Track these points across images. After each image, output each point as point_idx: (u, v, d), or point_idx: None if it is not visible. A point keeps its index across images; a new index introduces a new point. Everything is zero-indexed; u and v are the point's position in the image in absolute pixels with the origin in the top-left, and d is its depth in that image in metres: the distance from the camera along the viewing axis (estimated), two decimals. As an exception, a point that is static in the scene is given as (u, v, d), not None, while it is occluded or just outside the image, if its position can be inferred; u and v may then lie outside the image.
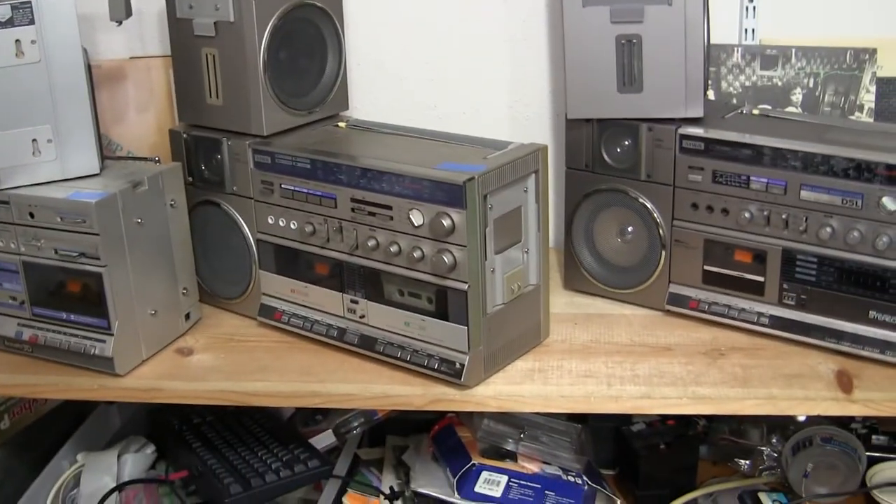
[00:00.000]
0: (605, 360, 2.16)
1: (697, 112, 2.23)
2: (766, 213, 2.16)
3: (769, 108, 2.54)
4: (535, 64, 2.67)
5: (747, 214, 2.17)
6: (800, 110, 2.58)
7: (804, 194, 2.14)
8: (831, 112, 2.57)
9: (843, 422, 2.58)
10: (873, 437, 2.62)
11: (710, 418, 2.58)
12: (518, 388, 2.08)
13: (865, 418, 2.60)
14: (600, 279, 2.41)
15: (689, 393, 2.04)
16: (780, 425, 2.54)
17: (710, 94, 2.60)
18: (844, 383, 2.08)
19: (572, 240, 2.41)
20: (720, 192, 2.22)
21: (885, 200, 2.04)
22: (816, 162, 2.11)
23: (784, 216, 2.15)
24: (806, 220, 2.15)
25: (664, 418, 2.54)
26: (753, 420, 2.53)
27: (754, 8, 2.60)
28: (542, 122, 2.69)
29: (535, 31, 2.66)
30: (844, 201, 2.11)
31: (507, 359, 2.14)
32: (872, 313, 2.14)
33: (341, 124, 2.38)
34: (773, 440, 2.54)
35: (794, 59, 2.57)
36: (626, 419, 2.53)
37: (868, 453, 2.55)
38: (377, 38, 2.74)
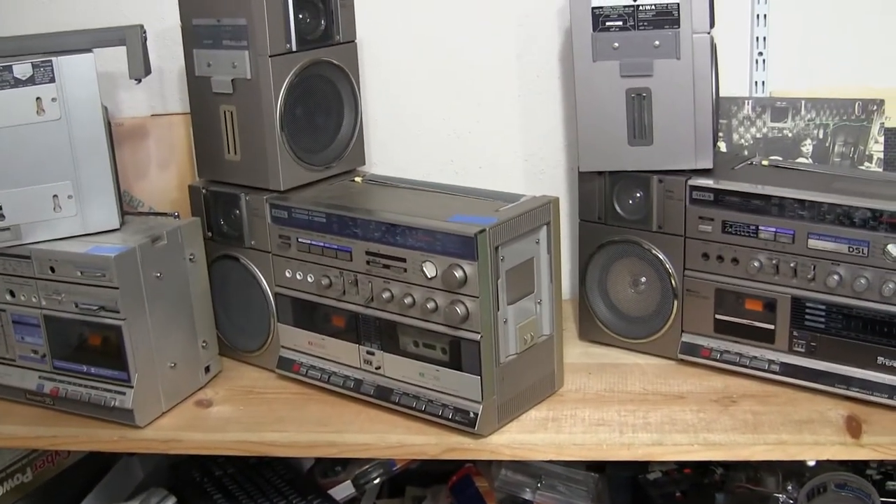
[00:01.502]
0: (618, 409, 2.19)
1: (707, 164, 2.26)
2: (774, 261, 2.19)
3: (780, 159, 2.57)
4: (549, 118, 2.72)
5: (757, 263, 2.20)
6: (810, 161, 2.60)
7: (812, 243, 2.18)
8: (841, 162, 2.60)
9: (858, 468, 2.57)
10: (888, 482, 2.60)
11: (727, 466, 2.59)
12: (531, 436, 2.11)
13: (880, 464, 2.61)
14: (614, 329, 2.43)
15: (700, 440, 2.07)
16: (796, 472, 2.55)
17: (722, 146, 2.63)
18: (853, 428, 2.11)
19: (586, 291, 2.44)
20: (730, 241, 2.26)
21: (891, 248, 2.08)
22: (823, 211, 2.15)
23: (792, 265, 2.18)
24: (814, 268, 2.19)
25: (681, 467, 2.55)
26: (768, 467, 2.53)
27: (764, 61, 2.64)
28: (557, 175, 2.73)
29: (549, 86, 2.71)
30: (851, 249, 2.14)
31: (520, 408, 2.16)
32: (881, 359, 2.18)
33: (357, 179, 2.42)
34: (789, 487, 2.55)
35: (803, 111, 2.60)
36: (643, 468, 2.55)
37: (883, 499, 2.54)
38: (394, 95, 2.80)
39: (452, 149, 2.60)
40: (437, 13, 2.75)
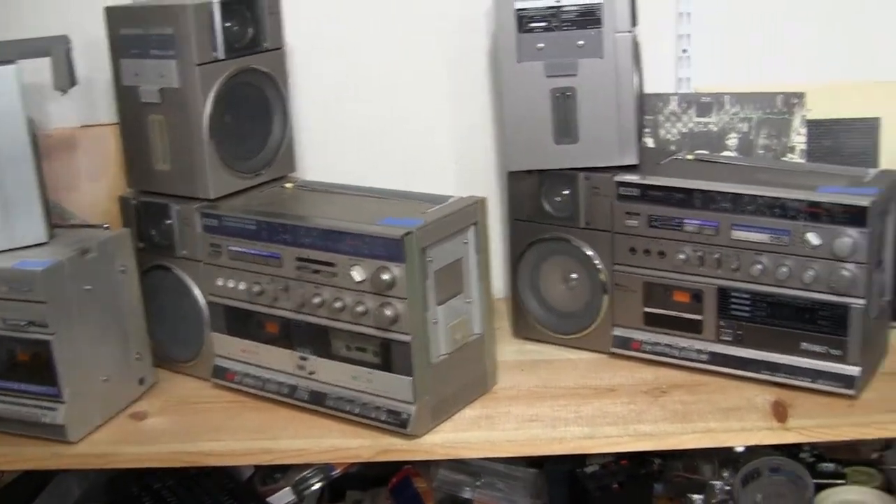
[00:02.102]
0: (550, 404, 2.21)
1: (632, 159, 2.29)
2: (700, 253, 2.22)
3: (706, 153, 2.59)
4: (479, 119, 2.74)
5: (683, 256, 2.23)
6: (735, 154, 2.61)
7: (735, 234, 2.22)
8: (765, 154, 2.62)
9: (791, 451, 2.63)
10: (820, 464, 2.63)
11: (665, 456, 2.60)
12: (465, 435, 2.12)
13: (812, 447, 2.68)
14: (547, 326, 2.45)
15: (630, 431, 2.09)
16: (732, 459, 2.58)
17: (650, 142, 2.63)
18: (780, 413, 2.16)
19: (518, 289, 2.46)
20: (656, 235, 2.30)
21: (810, 236, 2.11)
22: (745, 202, 2.19)
23: (717, 256, 2.21)
24: (738, 258, 2.23)
25: (618, 459, 2.56)
26: (705, 455, 2.57)
27: (688, 58, 2.67)
28: (489, 175, 2.75)
29: (478, 88, 2.73)
30: (773, 239, 2.19)
31: (454, 407, 2.18)
32: (804, 344, 2.23)
33: (288, 185, 2.42)
34: (725, 474, 2.57)
35: (727, 106, 2.63)
36: (581, 462, 2.56)
37: (815, 480, 2.61)
38: (325, 100, 2.80)
39: (384, 152, 2.63)
40: (366, 17, 2.75)
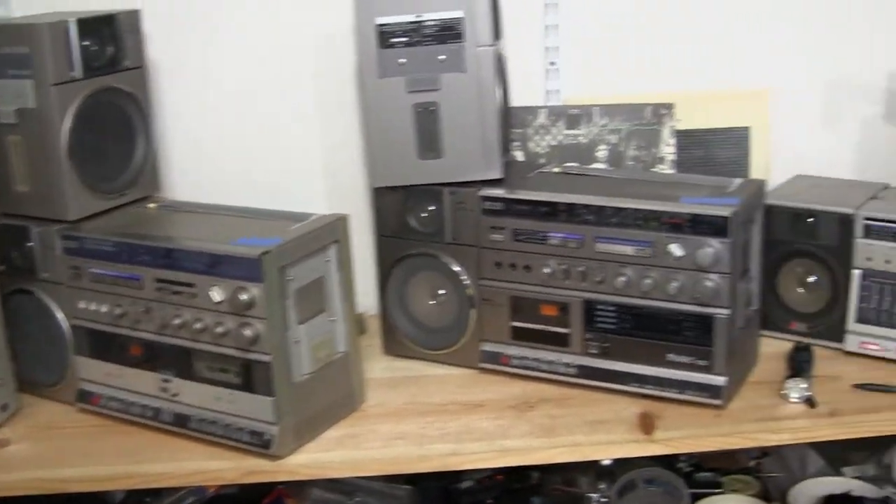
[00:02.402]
0: (417, 422, 2.20)
1: (496, 173, 2.28)
2: (564, 267, 2.23)
3: (576, 165, 2.58)
4: (348, 136, 2.72)
5: (548, 269, 2.23)
6: (605, 166, 2.61)
7: (599, 246, 2.23)
8: (635, 166, 2.62)
9: (669, 461, 2.65)
10: (698, 473, 2.64)
11: (543, 469, 2.58)
12: (329, 454, 2.11)
13: (690, 456, 2.69)
14: (417, 342, 2.44)
15: (496, 447, 2.09)
16: (609, 471, 2.55)
17: (519, 156, 2.62)
18: (646, 425, 2.16)
19: (387, 305, 2.44)
20: (521, 249, 2.30)
21: (672, 247, 2.11)
22: (608, 215, 2.20)
23: (582, 269, 2.22)
24: (602, 271, 2.24)
25: (494, 474, 2.54)
26: (582, 468, 2.54)
27: (557, 70, 2.66)
28: (358, 192, 2.71)
29: (346, 104, 2.71)
30: (636, 251, 2.20)
31: (319, 427, 2.16)
32: (670, 356, 2.24)
33: (151, 206, 2.39)
34: (602, 486, 2.55)
35: (596, 118, 2.63)
36: (457, 477, 2.53)
37: (692, 490, 2.61)
38: (192, 118, 2.77)
39: (253, 170, 2.61)
40: (231, 34, 2.74)
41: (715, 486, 2.70)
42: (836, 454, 2.81)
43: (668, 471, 2.60)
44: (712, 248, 2.11)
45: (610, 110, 2.64)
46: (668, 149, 2.63)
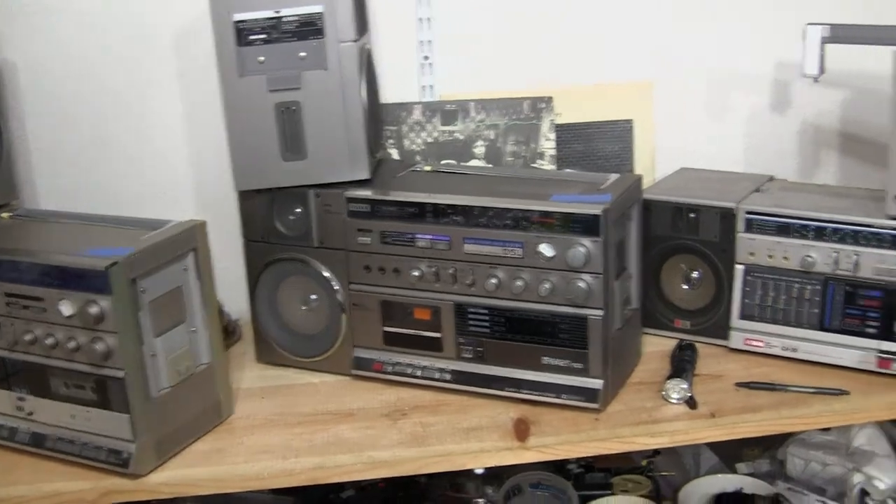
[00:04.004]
0: (285, 433, 2.15)
1: (363, 174, 2.23)
2: (434, 269, 2.19)
3: (453, 162, 2.52)
4: (216, 138, 2.60)
5: (417, 272, 2.18)
6: (483, 163, 2.55)
7: (468, 248, 2.19)
8: (514, 161, 2.57)
9: (560, 463, 2.66)
10: (588, 474, 2.60)
11: (429, 474, 2.53)
12: (192, 471, 2.05)
13: (580, 458, 2.63)
14: (289, 349, 2.38)
15: (364, 458, 2.05)
16: (496, 475, 2.50)
17: (395, 153, 2.55)
18: (521, 431, 2.12)
19: (258, 312, 2.39)
20: (390, 252, 2.26)
21: (543, 248, 2.07)
22: (476, 215, 2.16)
23: (451, 271, 2.18)
24: (473, 273, 2.19)
25: (377, 481, 2.48)
26: (470, 473, 2.50)
27: (431, 65, 2.60)
28: (230, 196, 2.62)
29: (212, 106, 2.59)
30: (506, 251, 2.16)
31: (183, 442, 2.10)
32: (546, 359, 2.20)
33: (4, 215, 2.29)
34: (489, 490, 2.51)
35: (473, 113, 2.57)
36: (339, 486, 2.48)
37: (582, 492, 2.62)
38: (53, 122, 2.69)
39: (120, 177, 2.53)
40: (93, 35, 2.65)
41: (605, 487, 2.65)
42: (732, 451, 2.79)
43: (555, 474, 2.57)
44: (584, 247, 2.08)
45: (487, 105, 2.59)
46: (547, 143, 2.58)
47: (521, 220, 2.11)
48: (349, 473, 2.03)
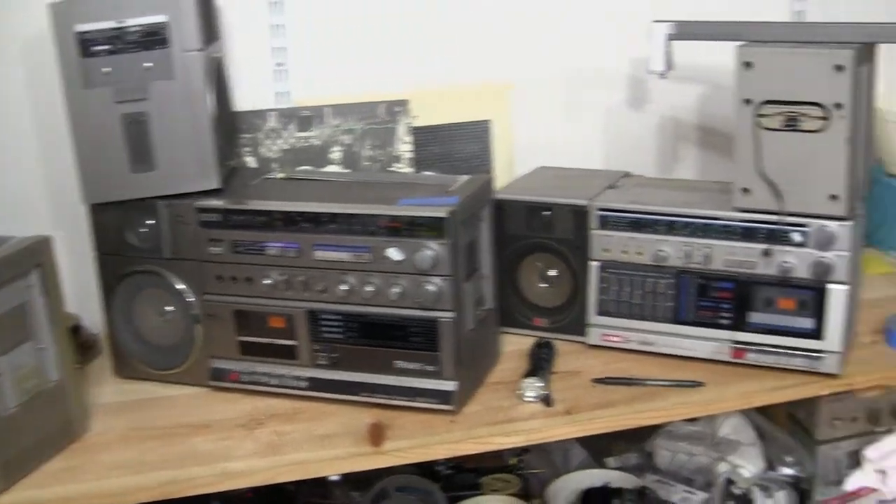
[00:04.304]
0: (140, 448, 2.14)
1: (213, 183, 2.23)
2: (285, 277, 2.19)
3: (310, 168, 2.53)
4: (69, 151, 2.56)
5: (269, 281, 2.19)
6: (341, 167, 2.55)
7: (318, 254, 2.20)
8: (371, 166, 2.57)
9: (427, 466, 2.65)
10: (458, 475, 2.62)
11: (299, 482, 2.52)
12: (41, 492, 2.03)
13: (449, 459, 2.64)
14: (147, 363, 2.38)
15: (218, 470, 2.03)
16: (363, 480, 2.50)
17: (252, 162, 2.55)
18: (375, 436, 2.14)
19: (114, 326, 2.37)
20: (241, 261, 2.26)
21: (391, 252, 2.09)
22: (324, 221, 2.18)
23: (303, 278, 2.20)
24: (324, 279, 2.21)
25: (244, 491, 2.47)
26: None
27: (286, 71, 2.60)
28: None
29: (62, 116, 2.55)
30: (355, 257, 2.17)
31: (32, 462, 2.08)
32: (399, 363, 2.22)
33: None
34: (356, 495, 2.51)
35: (329, 118, 2.58)
36: (205, 499, 2.46)
37: (452, 493, 2.65)
38: None
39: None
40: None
41: (474, 488, 2.66)
42: (601, 445, 2.82)
43: (424, 476, 2.55)
44: (431, 250, 2.10)
45: (342, 110, 2.59)
46: (404, 147, 2.59)
47: (369, 226, 2.12)
48: (203, 486, 2.01)
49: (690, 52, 2.46)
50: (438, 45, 2.76)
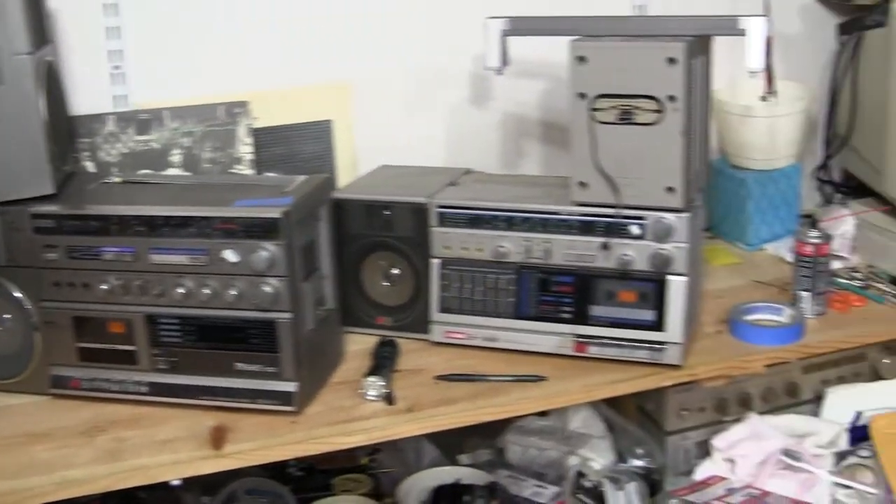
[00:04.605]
0: (-23, 461, 2.06)
1: (46, 189, 2.24)
2: (122, 282, 2.21)
3: (150, 172, 2.55)
4: None
5: (106, 286, 2.21)
6: (181, 171, 2.57)
7: (154, 258, 2.22)
8: (212, 168, 2.60)
9: (278, 467, 2.68)
10: (310, 476, 2.65)
11: (151, 488, 2.52)
12: None
13: (300, 461, 2.71)
14: (-17, 372, 2.32)
15: (57, 479, 2.05)
16: (214, 484, 2.52)
17: (90, 166, 2.55)
18: (217, 439, 2.15)
19: (-50, 337, 2.32)
20: (77, 267, 2.27)
21: (227, 253, 2.12)
22: (159, 225, 2.19)
23: (139, 283, 2.22)
24: (161, 283, 2.22)
25: (95, 497, 2.47)
26: (188, 484, 2.52)
27: (122, 74, 2.60)
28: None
29: None
30: (192, 259, 2.19)
31: None
32: (239, 365, 2.24)
33: None
34: (207, 501, 2.52)
35: (168, 121, 2.60)
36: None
37: (303, 494, 2.69)
38: None
39: None
40: None
41: (326, 489, 2.69)
42: (454, 442, 2.85)
43: (273, 479, 2.58)
44: (267, 251, 2.13)
45: (181, 112, 2.61)
46: (245, 148, 2.62)
47: (204, 228, 2.15)
48: (42, 495, 2.01)
49: (533, 48, 2.50)
50: (278, 45, 2.79)
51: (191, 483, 2.52)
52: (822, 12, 3.26)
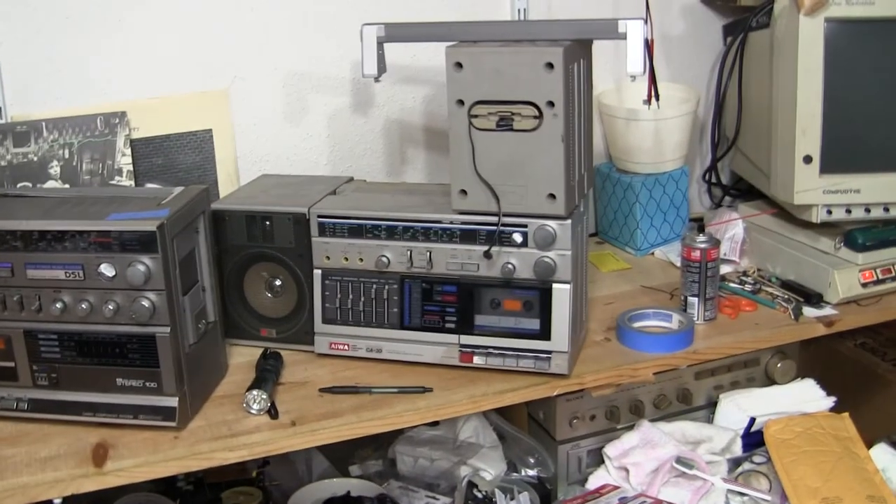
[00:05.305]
0: None
1: (-80, 205, 2.22)
2: (0, 297, 2.17)
3: (29, 185, 2.58)
4: None
5: (-16, 301, 2.19)
6: (60, 183, 2.62)
7: (31, 273, 2.25)
8: (91, 180, 2.64)
9: (169, 480, 2.72)
10: (198, 491, 2.73)
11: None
12: None
13: (189, 474, 2.76)
14: None
15: (-69, 504, 2.01)
16: (103, 501, 2.54)
17: (-34, 181, 2.59)
18: (99, 457, 2.19)
19: None
20: (-49, 283, 2.21)
21: (103, 268, 2.17)
22: (34, 240, 2.22)
23: (17, 298, 2.25)
24: (39, 298, 2.26)
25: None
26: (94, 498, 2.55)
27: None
28: None
29: None
30: (68, 274, 2.23)
31: None
32: (120, 380, 2.28)
33: None
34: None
35: (45, 133, 2.64)
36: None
37: None
38: None
39: None
40: None
41: (215, 502, 2.73)
42: (344, 453, 2.94)
43: (162, 493, 2.63)
44: (143, 265, 2.17)
45: (59, 124, 2.66)
46: (124, 159, 2.67)
47: (79, 242, 2.19)
48: None
49: (414, 54, 2.56)
50: (156, 53, 2.83)
51: (77, 500, 2.56)
52: (707, 14, 3.35)
